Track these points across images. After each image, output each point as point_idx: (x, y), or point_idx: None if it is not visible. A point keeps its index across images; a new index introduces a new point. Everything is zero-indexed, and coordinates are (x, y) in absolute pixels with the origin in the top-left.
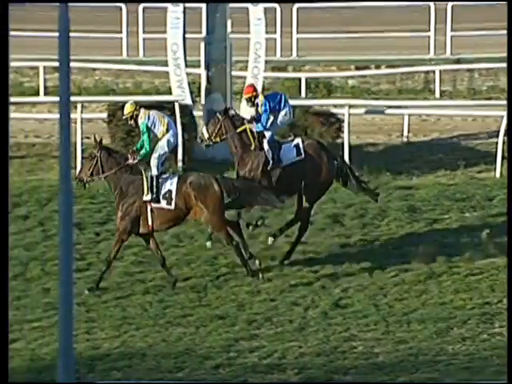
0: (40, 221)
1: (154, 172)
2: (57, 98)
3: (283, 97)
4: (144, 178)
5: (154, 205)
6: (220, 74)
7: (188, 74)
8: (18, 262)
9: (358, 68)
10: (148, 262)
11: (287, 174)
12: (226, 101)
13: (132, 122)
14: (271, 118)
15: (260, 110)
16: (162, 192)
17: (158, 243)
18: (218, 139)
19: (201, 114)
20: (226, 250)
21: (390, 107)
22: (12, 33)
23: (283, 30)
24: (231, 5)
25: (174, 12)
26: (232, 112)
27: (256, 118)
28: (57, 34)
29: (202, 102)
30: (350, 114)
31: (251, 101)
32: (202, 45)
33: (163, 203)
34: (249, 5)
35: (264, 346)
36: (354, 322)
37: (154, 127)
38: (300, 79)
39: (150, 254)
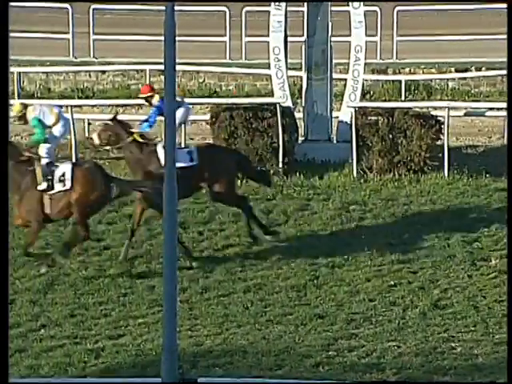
0: (145, 220)
1: (46, 160)
2: None
3: (180, 98)
4: (37, 169)
5: (50, 192)
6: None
7: (289, 77)
8: (124, 260)
9: (457, 70)
10: (249, 260)
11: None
12: (327, 103)
13: (22, 121)
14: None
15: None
16: (56, 177)
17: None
18: (108, 146)
19: (301, 115)
20: (324, 250)
21: (490, 109)
22: (118, 37)
23: (383, 32)
24: (332, 8)
25: (276, 15)
26: (120, 118)
27: (146, 119)
28: (162, 38)
29: (303, 104)
30: (449, 116)
31: (147, 101)
32: (303, 48)
33: (59, 187)
34: (350, 8)
35: (363, 346)
36: (453, 323)
37: (44, 118)
38: (400, 82)
39: (252, 252)
